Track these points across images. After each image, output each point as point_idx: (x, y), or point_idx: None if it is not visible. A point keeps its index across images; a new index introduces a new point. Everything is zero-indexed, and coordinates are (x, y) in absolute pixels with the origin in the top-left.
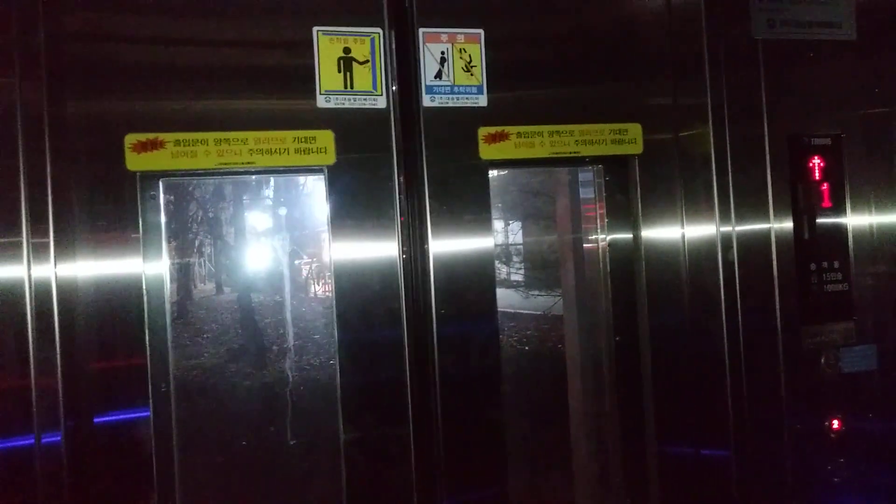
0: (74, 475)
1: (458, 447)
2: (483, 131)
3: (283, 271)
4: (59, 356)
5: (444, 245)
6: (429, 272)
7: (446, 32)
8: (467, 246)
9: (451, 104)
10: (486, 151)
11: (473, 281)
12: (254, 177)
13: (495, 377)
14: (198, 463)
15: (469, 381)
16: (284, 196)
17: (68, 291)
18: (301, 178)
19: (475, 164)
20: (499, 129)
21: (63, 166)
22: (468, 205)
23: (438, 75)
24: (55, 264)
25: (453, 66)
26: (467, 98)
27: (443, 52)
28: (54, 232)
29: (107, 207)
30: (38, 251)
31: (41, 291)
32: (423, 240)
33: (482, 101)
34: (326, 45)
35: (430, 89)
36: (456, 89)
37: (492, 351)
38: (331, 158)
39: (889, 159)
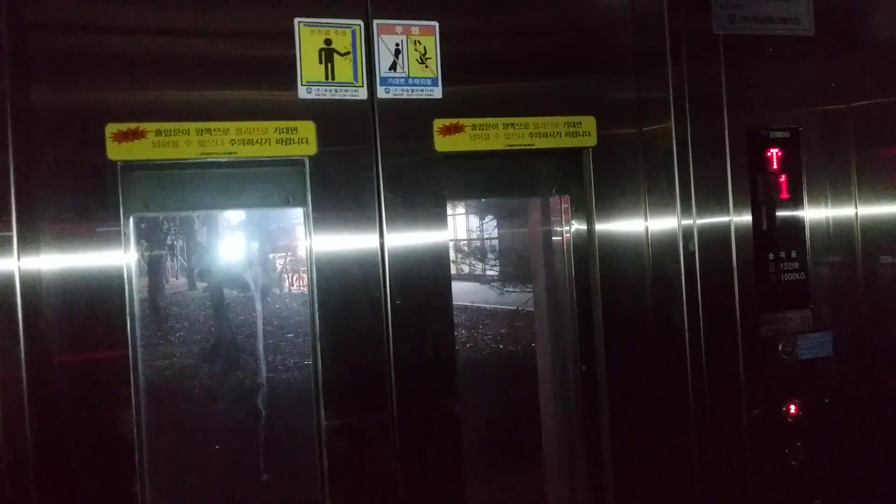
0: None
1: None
2: (438, 123)
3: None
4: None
5: (399, 238)
6: (385, 263)
7: (401, 24)
8: (423, 238)
9: (405, 96)
10: (442, 143)
11: (428, 272)
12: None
13: (450, 368)
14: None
15: (423, 372)
16: None
17: (54, 283)
18: None
19: (430, 156)
20: (454, 121)
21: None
22: (424, 197)
23: (393, 67)
24: (18, 258)
25: (408, 57)
26: (422, 90)
27: (397, 44)
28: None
29: (89, 197)
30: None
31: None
32: (379, 232)
33: (437, 93)
34: (308, 36)
35: (384, 81)
36: (411, 81)
37: (446, 342)
38: (312, 149)
39: (845, 153)
